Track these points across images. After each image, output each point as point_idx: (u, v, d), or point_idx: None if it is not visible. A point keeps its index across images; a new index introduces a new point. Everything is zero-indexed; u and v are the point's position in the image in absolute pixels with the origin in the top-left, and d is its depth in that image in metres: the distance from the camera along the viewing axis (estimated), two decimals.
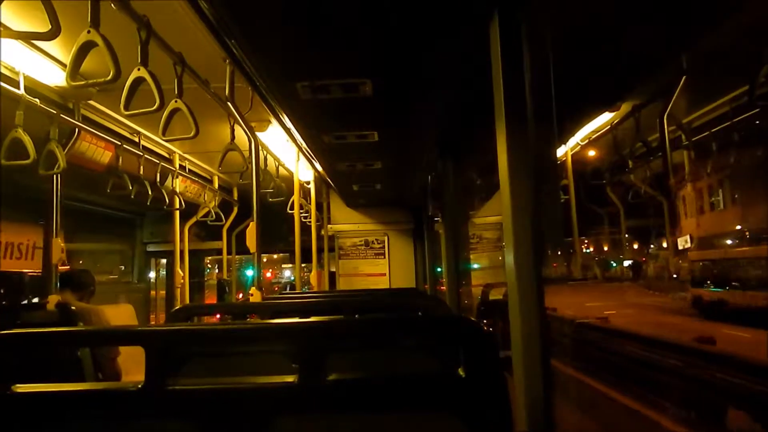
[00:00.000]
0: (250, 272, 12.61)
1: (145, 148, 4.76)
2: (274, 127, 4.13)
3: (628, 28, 2.91)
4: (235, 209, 7.20)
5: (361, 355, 1.36)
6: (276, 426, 0.93)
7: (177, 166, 5.49)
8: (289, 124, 3.43)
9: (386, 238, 7.09)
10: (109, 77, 2.07)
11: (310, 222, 6.32)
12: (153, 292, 9.07)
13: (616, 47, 3.06)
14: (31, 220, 5.39)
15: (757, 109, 4.14)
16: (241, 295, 10.40)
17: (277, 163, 5.37)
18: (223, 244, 7.59)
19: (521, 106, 1.64)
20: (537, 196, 1.58)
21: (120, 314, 4.26)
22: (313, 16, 2.09)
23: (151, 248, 8.85)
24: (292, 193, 5.51)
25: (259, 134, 4.30)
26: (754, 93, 3.40)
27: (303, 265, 6.51)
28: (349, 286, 6.95)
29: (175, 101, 2.65)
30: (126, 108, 2.35)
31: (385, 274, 7.05)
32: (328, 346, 0.98)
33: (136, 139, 4.76)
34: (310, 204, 6.26)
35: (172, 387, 0.92)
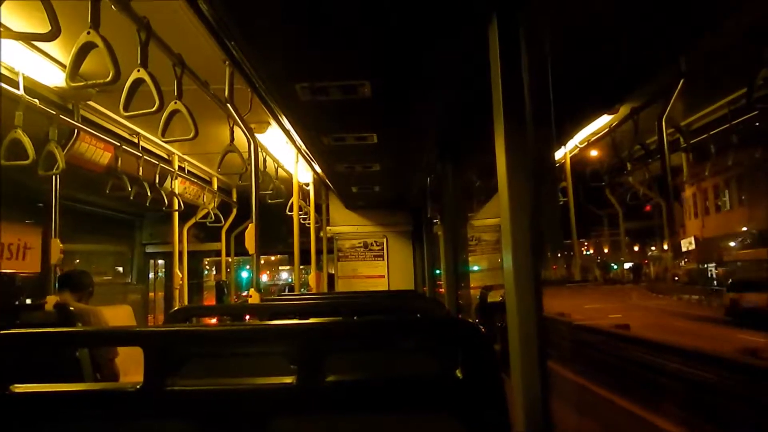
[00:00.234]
0: (244, 274, 12.53)
1: (144, 149, 4.76)
2: (274, 129, 4.13)
3: (626, 31, 2.92)
4: (234, 211, 7.20)
5: (360, 356, 1.36)
6: (274, 427, 0.93)
7: (176, 167, 5.49)
8: (288, 126, 3.44)
9: (385, 240, 7.09)
10: (108, 78, 2.07)
11: (309, 224, 6.32)
12: (151, 294, 9.06)
13: (615, 50, 3.07)
14: (21, 219, 5.34)
15: (756, 112, 4.15)
16: (235, 298, 10.38)
17: (276, 165, 5.38)
18: (222, 246, 7.59)
19: (520, 108, 1.64)
20: (535, 198, 1.59)
21: (118, 315, 4.26)
22: (312, 18, 2.10)
23: (150, 249, 8.85)
24: (291, 195, 5.52)
25: (258, 136, 4.31)
26: (752, 95, 3.41)
27: (301, 267, 6.50)
28: (348, 288, 6.95)
29: (175, 102, 2.65)
30: (125, 109, 2.35)
31: (383, 276, 7.05)
32: (326, 347, 0.98)
33: (136, 140, 4.75)
34: (309, 206, 6.26)
35: (170, 388, 0.93)
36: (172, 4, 2.37)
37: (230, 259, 8.28)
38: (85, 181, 4.66)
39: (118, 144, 4.36)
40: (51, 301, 3.56)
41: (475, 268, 6.85)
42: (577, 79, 3.07)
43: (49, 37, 1.95)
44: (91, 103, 4.05)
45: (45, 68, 3.34)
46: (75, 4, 2.07)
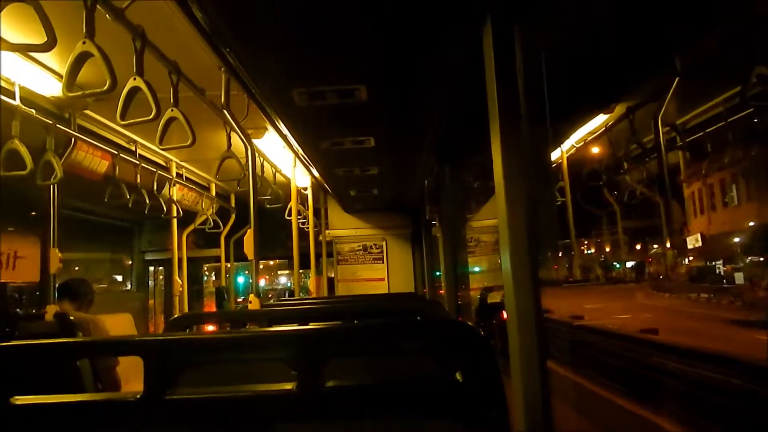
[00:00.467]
0: (241, 279, 12.48)
1: (142, 157, 4.77)
2: (271, 134, 4.14)
3: (621, 30, 2.93)
4: (233, 216, 7.20)
5: (360, 360, 1.36)
6: None
7: (174, 174, 5.49)
8: (285, 131, 3.44)
9: (384, 242, 7.09)
10: (105, 87, 2.08)
11: (308, 228, 6.33)
12: (151, 301, 9.05)
13: (610, 49, 3.08)
14: (12, 227, 5.26)
15: (751, 109, 4.16)
16: (235, 304, 10.37)
17: (274, 170, 5.38)
18: (221, 252, 7.59)
19: (515, 109, 1.65)
20: (532, 198, 1.59)
21: (119, 323, 4.25)
22: (307, 24, 2.11)
23: (149, 256, 8.84)
24: (290, 200, 5.52)
25: (255, 141, 4.31)
26: (746, 93, 3.43)
27: (301, 271, 6.50)
28: (348, 291, 6.95)
29: (171, 110, 2.66)
30: (122, 118, 2.35)
31: (383, 279, 7.05)
32: (326, 352, 0.98)
33: (133, 148, 4.76)
34: (307, 210, 6.26)
35: (170, 396, 0.93)
36: (167, 12, 2.38)
37: (229, 265, 8.27)
38: (83, 189, 4.66)
39: (116, 152, 4.37)
40: (51, 310, 3.56)
41: (475, 269, 6.85)
42: (572, 79, 3.07)
43: (45, 47, 1.96)
44: (88, 112, 4.06)
45: (41, 78, 3.35)
46: (70, 15, 2.08)
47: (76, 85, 2.16)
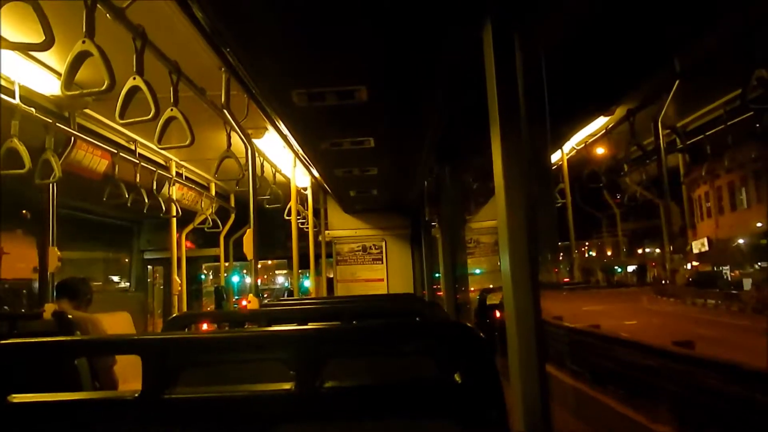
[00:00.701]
0: (236, 278, 12.39)
1: (141, 156, 4.76)
2: (271, 134, 4.14)
3: (621, 33, 2.93)
4: (232, 216, 7.20)
5: (358, 361, 1.36)
6: None
7: (174, 173, 5.49)
8: (285, 131, 3.44)
9: (384, 243, 7.09)
10: (104, 87, 2.08)
11: (307, 228, 6.32)
12: (149, 300, 9.03)
13: (610, 51, 3.08)
14: None
15: (751, 113, 4.16)
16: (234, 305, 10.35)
17: (273, 170, 5.38)
18: (221, 251, 7.59)
19: (515, 111, 1.65)
20: (532, 200, 1.59)
21: (117, 322, 4.24)
22: (307, 24, 2.11)
23: (148, 256, 8.83)
24: (289, 200, 5.52)
25: (255, 141, 4.31)
26: (746, 96, 3.42)
27: (300, 271, 6.50)
28: (347, 292, 6.94)
29: (171, 110, 2.66)
30: (122, 117, 2.35)
31: (383, 280, 7.05)
32: (324, 353, 0.98)
33: (133, 147, 4.76)
34: (307, 210, 6.26)
35: (169, 396, 0.93)
36: (168, 12, 2.38)
37: (228, 264, 8.27)
38: (82, 188, 4.65)
39: (115, 151, 4.36)
40: (49, 309, 3.55)
41: (475, 271, 6.85)
42: (572, 81, 3.08)
43: (44, 46, 1.95)
44: (87, 111, 4.05)
45: (41, 77, 3.34)
46: (70, 14, 2.08)
47: (75, 84, 2.15)
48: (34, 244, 4.02)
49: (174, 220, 5.65)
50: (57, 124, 3.56)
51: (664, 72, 3.85)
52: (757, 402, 3.14)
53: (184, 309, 6.29)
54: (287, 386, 0.94)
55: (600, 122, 5.11)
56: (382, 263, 7.07)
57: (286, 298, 7.64)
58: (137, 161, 4.66)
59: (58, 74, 3.31)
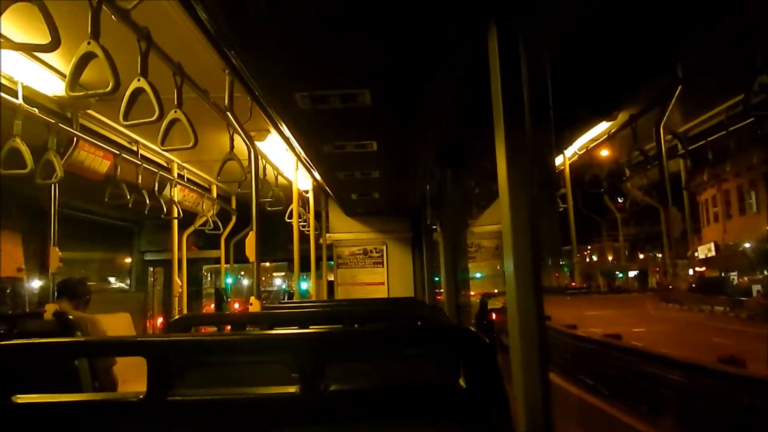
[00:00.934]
0: (229, 280, 12.28)
1: (143, 158, 4.76)
2: (273, 137, 4.14)
3: (624, 38, 2.93)
4: (234, 218, 7.20)
5: (360, 364, 1.36)
6: None
7: (175, 175, 5.49)
8: (288, 134, 3.44)
9: (385, 247, 7.09)
10: (108, 88, 2.08)
11: (308, 231, 6.32)
12: (150, 300, 9.02)
13: (613, 57, 3.09)
14: None
15: (752, 119, 4.15)
16: (213, 306, 10.31)
17: (275, 173, 5.38)
18: (221, 253, 7.58)
19: (520, 115, 1.65)
20: (536, 204, 1.59)
21: (117, 323, 4.23)
22: (311, 27, 2.11)
23: (148, 257, 8.83)
24: (291, 202, 5.51)
25: (258, 143, 4.31)
26: (749, 102, 3.43)
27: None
28: (347, 295, 6.94)
29: (175, 111, 2.66)
30: (125, 118, 2.35)
31: (383, 283, 7.04)
32: (329, 355, 0.98)
33: (135, 149, 4.76)
34: (308, 213, 6.26)
35: (173, 397, 0.92)
36: (173, 13, 2.38)
37: (229, 267, 8.27)
38: (83, 188, 4.65)
39: (118, 152, 4.36)
40: (50, 309, 3.55)
41: (476, 275, 6.85)
42: (575, 86, 3.08)
43: (50, 48, 1.95)
44: (90, 111, 4.06)
45: (44, 77, 3.35)
46: (75, 15, 2.08)
47: (79, 85, 2.15)
48: (19, 243, 3.92)
49: (175, 221, 5.65)
50: (59, 124, 3.56)
51: (667, 77, 3.86)
52: None
53: (185, 310, 6.29)
54: (292, 389, 0.94)
55: (602, 127, 5.12)
56: (383, 267, 7.07)
57: (286, 301, 7.64)
58: (139, 162, 4.66)
59: (61, 74, 3.32)
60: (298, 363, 0.95)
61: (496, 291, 6.38)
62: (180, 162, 5.67)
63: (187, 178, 5.93)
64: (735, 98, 4.36)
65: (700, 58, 3.73)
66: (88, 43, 2.04)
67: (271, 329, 2.02)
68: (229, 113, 3.01)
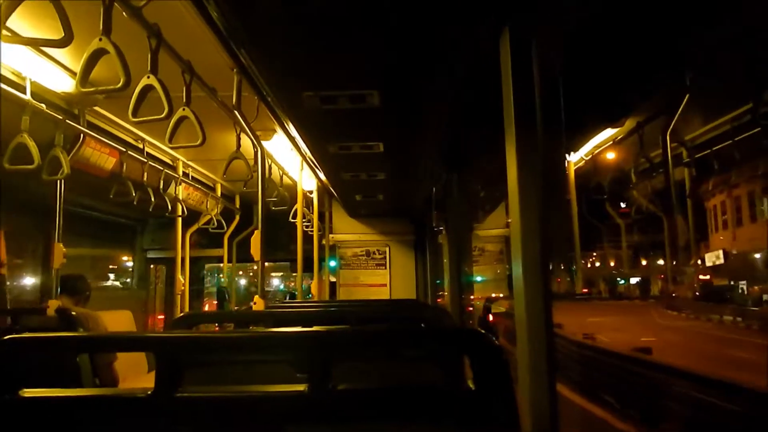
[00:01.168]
0: (223, 279, 12.10)
1: (149, 155, 4.77)
2: (279, 136, 4.14)
3: (634, 45, 2.93)
4: (237, 217, 7.20)
5: (364, 364, 1.35)
6: None
7: (180, 173, 5.49)
8: (294, 133, 3.45)
9: (388, 248, 7.09)
10: (119, 84, 2.08)
11: (311, 231, 6.32)
12: (152, 297, 9.02)
13: (622, 64, 3.08)
14: None
15: (759, 128, 4.15)
16: (207, 306, 10.26)
17: (281, 172, 5.38)
18: (224, 252, 7.58)
19: (531, 119, 1.64)
20: (546, 209, 1.59)
21: (118, 320, 4.24)
22: (321, 27, 2.11)
23: (151, 255, 8.83)
24: (295, 202, 5.51)
25: (263, 143, 4.31)
26: (757, 111, 3.42)
27: (294, 274, 6.50)
28: (349, 296, 6.94)
29: (183, 109, 2.66)
30: (134, 115, 2.35)
31: (385, 285, 7.04)
32: (336, 355, 0.98)
33: (141, 146, 4.76)
34: (312, 213, 6.26)
35: (181, 394, 0.92)
36: (183, 11, 2.38)
37: (232, 266, 8.27)
38: (86, 185, 4.65)
39: (123, 149, 4.37)
40: (52, 305, 3.55)
41: (477, 278, 6.84)
42: (584, 92, 3.08)
43: (62, 43, 1.96)
44: (97, 108, 4.06)
45: (52, 74, 3.35)
46: (85, 12, 2.08)
47: (88, 82, 2.16)
48: (1, 237, 3.85)
49: (179, 219, 5.66)
50: (67, 120, 3.57)
51: (675, 85, 3.85)
52: None
53: (187, 309, 6.28)
54: (300, 387, 0.93)
55: (607, 134, 5.12)
56: (386, 268, 7.07)
57: (288, 301, 7.64)
58: (145, 160, 4.66)
59: (69, 71, 3.32)
60: (307, 362, 0.94)
61: (501, 295, 6.36)
62: (185, 160, 5.67)
63: (192, 177, 5.93)
64: (744, 107, 4.35)
65: (709, 67, 3.73)
66: (100, 39, 2.04)
67: (275, 328, 2.02)
68: (236, 112, 3.01)
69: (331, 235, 7.10)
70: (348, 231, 7.11)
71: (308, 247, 6.21)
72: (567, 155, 5.51)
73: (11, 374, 0.94)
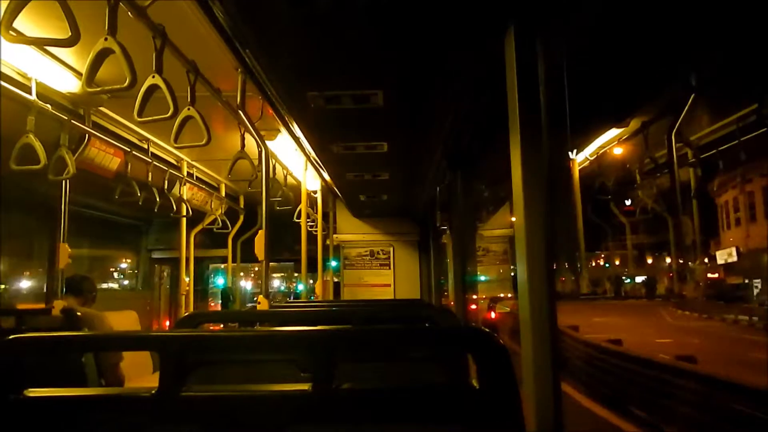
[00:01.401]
0: (220, 280, 11.97)
1: (153, 155, 4.77)
2: (283, 136, 4.14)
3: (638, 46, 2.92)
4: (241, 217, 7.20)
5: (368, 364, 1.35)
6: None
7: (185, 173, 5.50)
8: (298, 133, 3.45)
9: (392, 249, 7.09)
10: (125, 84, 2.08)
11: (316, 231, 6.32)
12: (157, 296, 9.04)
13: (627, 64, 3.08)
14: None
15: (765, 129, 4.13)
16: (216, 304, 10.21)
17: (285, 172, 5.38)
18: (228, 252, 7.59)
19: (536, 119, 1.64)
20: (551, 209, 1.58)
21: (123, 320, 4.24)
22: (326, 28, 2.11)
23: (156, 255, 8.86)
24: (299, 202, 5.52)
25: (267, 143, 4.31)
26: (763, 110, 3.40)
27: (297, 274, 6.50)
28: (353, 296, 6.94)
29: (188, 109, 2.66)
30: (140, 115, 2.36)
31: (389, 285, 7.04)
32: (341, 355, 0.98)
33: (146, 146, 4.77)
34: (316, 213, 6.26)
35: (185, 393, 0.92)
36: (188, 11, 2.39)
37: (236, 266, 8.28)
38: (91, 185, 4.66)
39: (128, 150, 4.37)
40: (58, 305, 3.56)
41: (481, 278, 6.83)
42: (588, 91, 3.07)
43: (68, 43, 1.96)
44: (102, 108, 4.07)
45: (57, 74, 3.36)
46: (90, 11, 2.09)
47: (93, 82, 2.16)
48: None
49: (184, 219, 5.67)
50: (72, 121, 3.58)
51: (680, 86, 3.84)
52: None
53: (191, 309, 6.29)
54: (305, 387, 0.93)
55: (612, 134, 5.10)
56: (390, 268, 7.07)
57: (292, 300, 7.64)
58: (150, 160, 4.67)
59: (75, 71, 3.33)
60: (311, 361, 0.94)
61: (504, 295, 6.36)
62: (189, 160, 5.68)
63: (197, 177, 5.94)
64: (748, 108, 4.33)
65: (714, 68, 3.72)
66: (105, 39, 2.05)
67: (281, 327, 2.02)
68: (240, 112, 3.01)
69: (335, 235, 7.10)
70: (352, 231, 7.11)
71: (312, 248, 6.21)
72: (571, 155, 5.49)
73: (16, 374, 0.94)
